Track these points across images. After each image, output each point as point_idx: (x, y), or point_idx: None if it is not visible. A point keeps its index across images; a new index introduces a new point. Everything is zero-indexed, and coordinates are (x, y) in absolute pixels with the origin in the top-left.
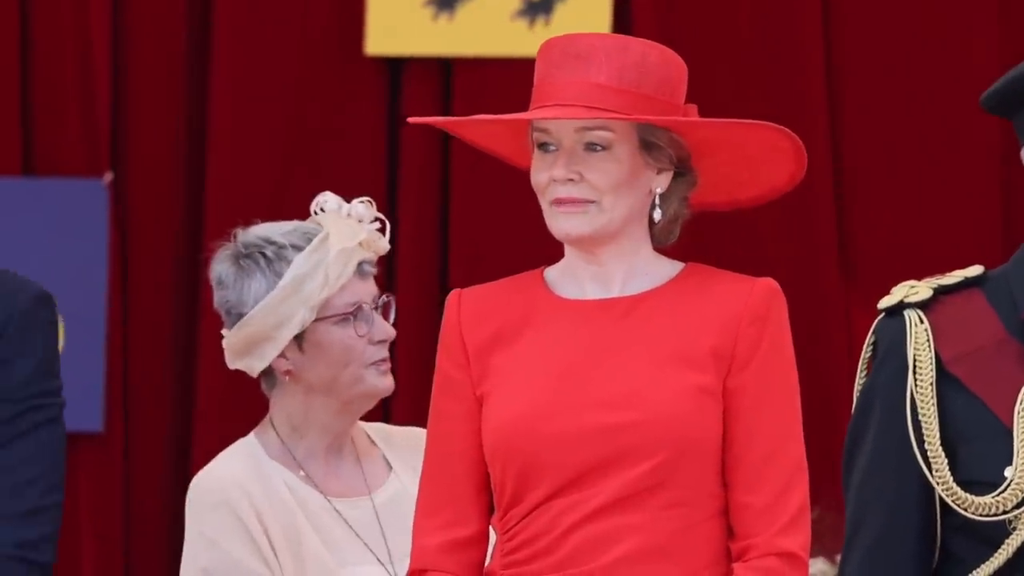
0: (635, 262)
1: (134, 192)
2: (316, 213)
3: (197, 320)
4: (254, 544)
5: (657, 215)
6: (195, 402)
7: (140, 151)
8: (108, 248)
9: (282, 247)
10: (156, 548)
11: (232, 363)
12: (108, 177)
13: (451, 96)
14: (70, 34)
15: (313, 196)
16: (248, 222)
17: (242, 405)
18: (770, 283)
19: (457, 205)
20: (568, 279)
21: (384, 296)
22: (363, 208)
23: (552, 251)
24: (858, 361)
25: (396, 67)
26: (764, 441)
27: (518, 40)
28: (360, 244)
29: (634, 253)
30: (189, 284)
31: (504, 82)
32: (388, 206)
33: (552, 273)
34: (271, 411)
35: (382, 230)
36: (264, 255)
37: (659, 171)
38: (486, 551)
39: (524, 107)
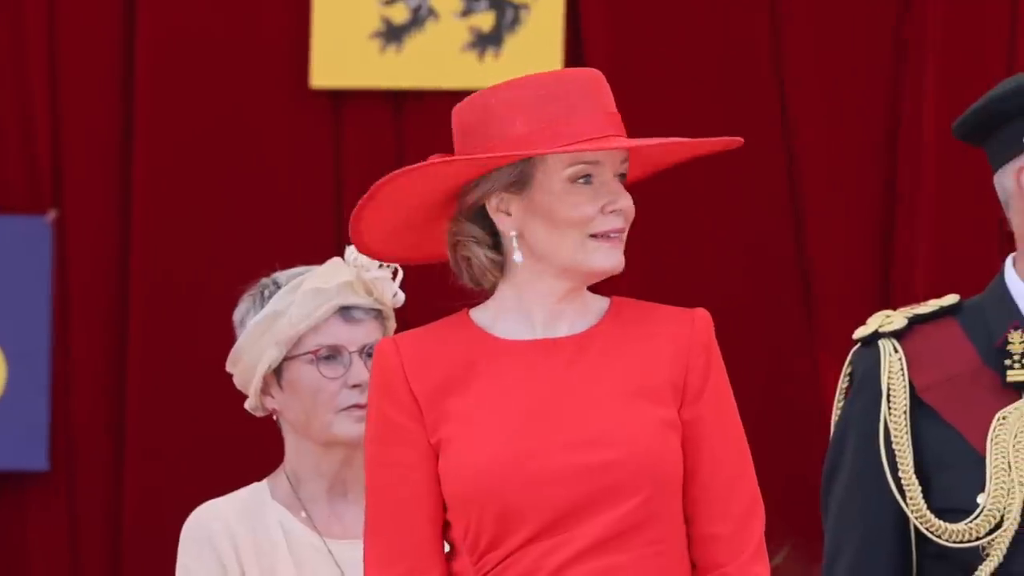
0: (583, 299)
1: (77, 229)
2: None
3: (126, 356)
4: None
5: None
6: (125, 437)
7: (82, 188)
8: (51, 286)
9: (278, 286)
10: None
11: (246, 404)
12: (52, 214)
13: (400, 130)
14: (8, 71)
15: (256, 229)
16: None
17: (172, 441)
18: (706, 313)
19: None
20: (508, 320)
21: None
22: (365, 257)
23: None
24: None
25: (341, 100)
26: (726, 470)
27: (468, 73)
28: (351, 287)
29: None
30: (124, 320)
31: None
32: (335, 240)
33: (483, 315)
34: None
35: (394, 277)
36: (263, 294)
37: None
38: None
39: None
